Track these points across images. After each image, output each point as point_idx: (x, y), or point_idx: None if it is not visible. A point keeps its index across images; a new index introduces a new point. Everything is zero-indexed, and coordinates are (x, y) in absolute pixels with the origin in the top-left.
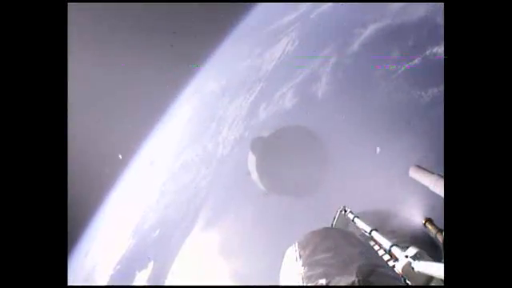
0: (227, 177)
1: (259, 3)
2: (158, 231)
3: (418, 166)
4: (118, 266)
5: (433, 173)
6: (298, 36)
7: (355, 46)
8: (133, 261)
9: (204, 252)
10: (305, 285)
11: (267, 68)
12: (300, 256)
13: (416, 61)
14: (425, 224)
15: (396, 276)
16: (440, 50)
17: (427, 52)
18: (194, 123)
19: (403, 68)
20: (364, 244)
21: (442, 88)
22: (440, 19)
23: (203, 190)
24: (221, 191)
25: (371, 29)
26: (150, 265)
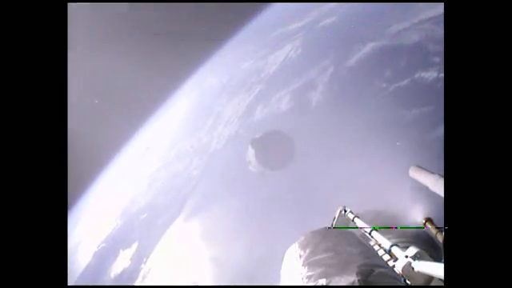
0: (218, 169)
1: (272, 3)
2: (145, 215)
3: (418, 166)
4: (103, 244)
5: (433, 173)
6: (301, 44)
7: (353, 61)
8: (118, 240)
9: (187, 237)
10: (305, 285)
11: (269, 71)
12: (300, 256)
13: (405, 82)
14: (425, 224)
15: (396, 276)
16: (427, 74)
17: (416, 75)
18: (192, 116)
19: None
20: (364, 244)
21: (424, 109)
22: (431, 46)
23: (194, 179)
24: (211, 182)
25: (369, 46)
26: (135, 245)
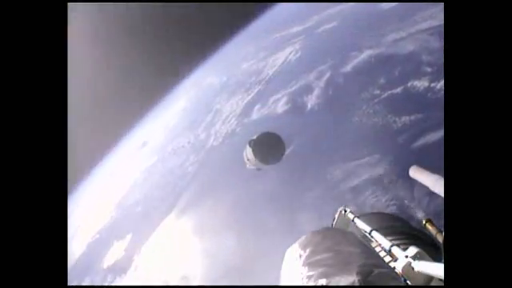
0: (214, 166)
1: (276, 3)
2: (140, 207)
3: (419, 166)
4: (97, 235)
5: (433, 173)
6: (301, 47)
7: (349, 67)
8: (112, 231)
9: (181, 230)
10: (305, 285)
11: (268, 72)
12: (300, 256)
13: (398, 90)
14: (425, 225)
15: (396, 276)
16: (419, 83)
17: (409, 84)
18: (191, 112)
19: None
20: (364, 244)
21: (413, 117)
22: (425, 57)
23: (190, 174)
24: (206, 178)
25: (366, 54)
26: (128, 236)
